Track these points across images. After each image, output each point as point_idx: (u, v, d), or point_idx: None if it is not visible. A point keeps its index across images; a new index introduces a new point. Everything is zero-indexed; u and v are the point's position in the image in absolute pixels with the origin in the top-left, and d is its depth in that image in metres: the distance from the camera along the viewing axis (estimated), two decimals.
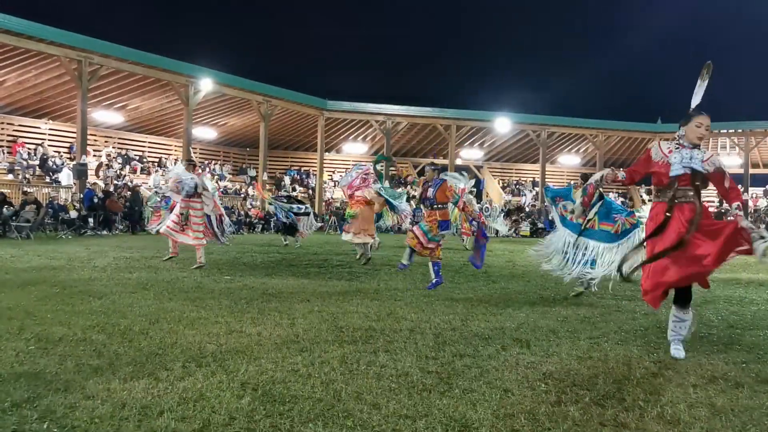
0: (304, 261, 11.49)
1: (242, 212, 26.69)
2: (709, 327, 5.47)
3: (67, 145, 25.75)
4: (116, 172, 25.78)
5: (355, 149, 37.34)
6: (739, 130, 34.80)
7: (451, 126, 33.87)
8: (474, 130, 35.42)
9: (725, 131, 35.31)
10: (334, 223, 26.76)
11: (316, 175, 33.55)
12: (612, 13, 65.80)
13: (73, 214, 19.05)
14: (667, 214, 4.30)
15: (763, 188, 36.26)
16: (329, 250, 14.96)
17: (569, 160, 39.62)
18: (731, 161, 36.92)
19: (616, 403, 3.17)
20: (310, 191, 33.21)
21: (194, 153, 29.28)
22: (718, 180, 4.33)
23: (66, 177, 23.18)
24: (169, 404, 2.98)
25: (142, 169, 27.85)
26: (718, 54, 61.91)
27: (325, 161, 34.10)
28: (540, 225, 28.58)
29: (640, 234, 6.49)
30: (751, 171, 34.92)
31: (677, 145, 4.40)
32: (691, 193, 4.30)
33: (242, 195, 30.15)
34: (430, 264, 7.79)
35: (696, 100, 4.63)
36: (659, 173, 4.41)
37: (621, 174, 4.68)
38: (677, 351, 4.26)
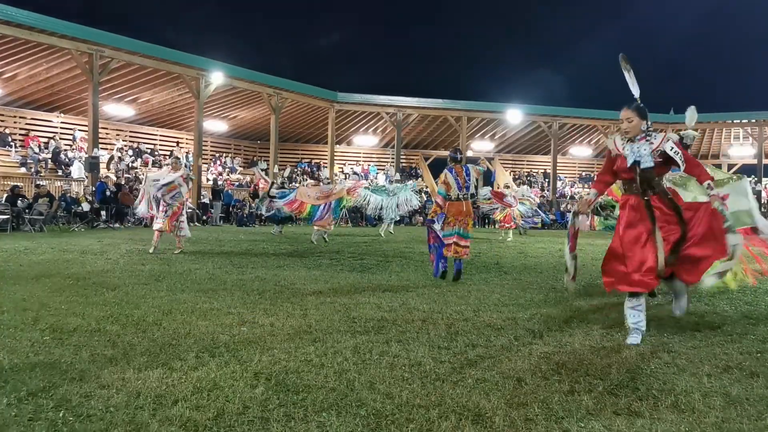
0: (316, 253, 11.51)
1: (253, 205, 26.75)
2: (723, 317, 5.43)
3: (81, 138, 25.85)
4: (128, 165, 25.90)
5: (366, 141, 37.34)
6: (753, 120, 34.46)
7: (462, 117, 33.76)
8: (485, 122, 35.29)
9: (738, 121, 34.99)
10: (346, 215, 26.73)
11: (326, 167, 33.55)
12: (625, 4, 65.26)
13: (86, 206, 19.17)
14: (646, 198, 4.38)
15: None
16: (341, 241, 14.98)
17: (581, 152, 39.43)
18: (745, 151, 36.65)
19: (629, 393, 3.16)
20: (321, 184, 33.20)
21: (205, 146, 29.37)
22: (685, 165, 4.37)
23: (77, 170, 23.31)
24: (183, 393, 3.00)
25: (153, 162, 27.95)
26: (733, 45, 61.36)
27: (335, 153, 34.11)
28: (552, 216, 28.43)
29: None
30: (765, 161, 34.57)
31: (628, 139, 4.48)
32: (653, 184, 4.39)
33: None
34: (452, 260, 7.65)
35: (635, 91, 4.75)
36: (619, 168, 4.49)
37: (592, 193, 4.79)
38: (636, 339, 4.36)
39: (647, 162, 4.33)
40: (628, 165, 4.39)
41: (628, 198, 4.51)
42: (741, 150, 36.93)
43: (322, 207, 14.16)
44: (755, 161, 34.75)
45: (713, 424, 2.74)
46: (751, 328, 4.95)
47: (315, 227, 14.41)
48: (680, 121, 34.61)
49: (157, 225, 10.76)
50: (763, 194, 33.45)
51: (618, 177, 4.64)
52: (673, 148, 4.34)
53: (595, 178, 4.82)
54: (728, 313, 5.66)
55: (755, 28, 59.30)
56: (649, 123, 4.51)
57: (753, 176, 35.03)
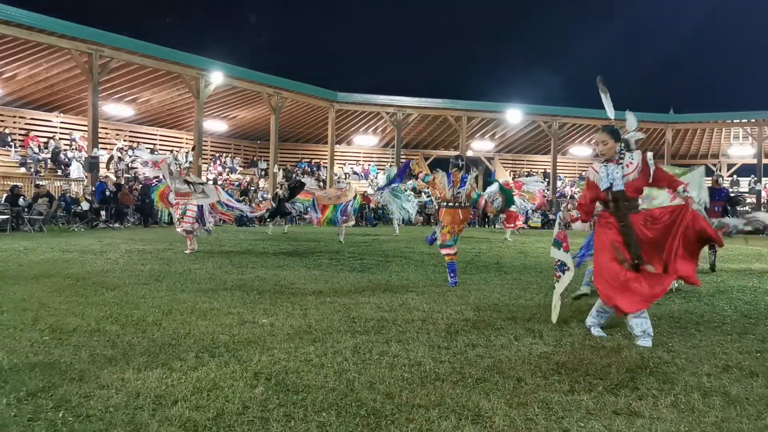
0: (316, 253, 11.51)
1: (253, 204, 26.76)
2: (723, 317, 5.43)
3: (80, 137, 25.83)
4: (127, 165, 25.89)
5: (366, 141, 37.31)
6: (752, 120, 34.44)
7: (462, 117, 33.73)
8: (485, 122, 35.26)
9: (738, 121, 34.97)
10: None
11: (327, 167, 33.55)
12: (624, 3, 65.22)
13: (85, 206, 19.16)
14: (621, 224, 4.50)
15: None
16: (341, 241, 14.97)
17: (581, 151, 39.39)
18: (744, 151, 36.62)
19: (629, 392, 3.16)
20: (321, 184, 33.25)
21: (205, 146, 29.33)
22: (652, 180, 4.59)
23: (76, 170, 23.27)
24: (183, 393, 3.00)
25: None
26: (732, 44, 61.40)
27: (335, 153, 34.10)
28: (552, 217, 28.44)
29: None
30: (765, 161, 34.56)
31: (604, 161, 4.64)
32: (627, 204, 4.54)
33: (253, 188, 30.22)
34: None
35: (610, 113, 5.01)
36: (599, 192, 4.64)
37: (575, 213, 4.95)
38: (599, 332, 4.57)
39: (618, 185, 4.51)
40: (602, 189, 4.56)
41: (604, 215, 4.67)
42: (741, 150, 36.90)
43: (342, 206, 14.61)
44: (755, 161, 34.70)
45: (713, 424, 2.74)
46: (751, 328, 4.95)
47: (342, 226, 15.03)
48: (680, 121, 34.71)
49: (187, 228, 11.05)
50: (763, 194, 33.45)
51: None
52: (652, 163, 4.61)
53: (578, 205, 4.94)
54: (728, 313, 5.66)
55: (755, 28, 59.36)
56: (622, 145, 4.69)
57: (753, 176, 35.06)
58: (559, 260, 4.87)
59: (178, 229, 11.17)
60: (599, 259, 4.54)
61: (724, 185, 11.34)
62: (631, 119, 5.41)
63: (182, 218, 10.94)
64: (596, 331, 4.59)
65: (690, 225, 4.39)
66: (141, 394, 2.98)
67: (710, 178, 11.25)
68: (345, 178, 33.46)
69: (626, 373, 3.50)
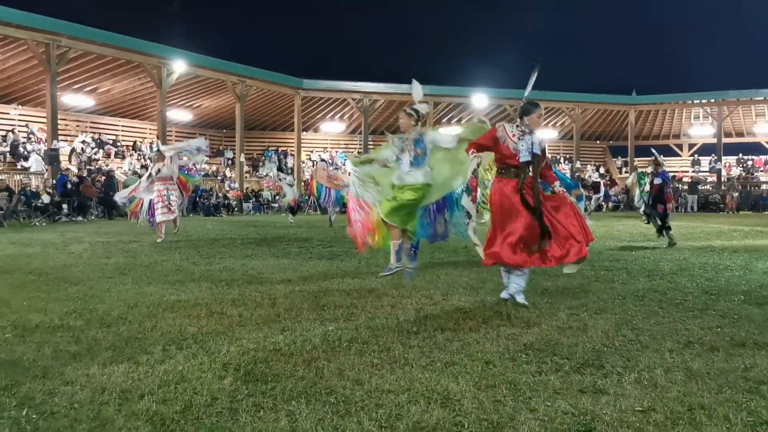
0: (284, 241, 11.45)
1: (221, 194, 26.51)
2: (684, 293, 5.56)
3: (39, 129, 25.22)
4: (89, 156, 25.38)
5: (333, 128, 37.15)
6: (712, 100, 35.14)
7: (429, 103, 33.76)
8: (451, 107, 35.38)
9: (698, 101, 35.63)
10: (314, 202, 26.59)
11: (294, 155, 33.33)
12: None
13: (46, 199, 18.73)
14: (522, 192, 4.90)
15: (735, 157, 36.78)
16: (310, 228, 14.92)
17: (547, 134, 39.73)
18: (704, 131, 37.37)
19: (594, 370, 3.22)
20: (289, 171, 33.04)
21: (170, 136, 28.89)
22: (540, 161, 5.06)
23: (34, 162, 22.69)
24: (149, 387, 2.96)
25: (116, 154, 27.45)
26: (691, 25, 62.38)
27: (302, 141, 33.89)
28: None
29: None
30: (724, 140, 35.34)
31: (521, 131, 4.99)
32: (530, 173, 4.96)
33: (220, 177, 29.91)
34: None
35: (528, 89, 5.43)
36: (504, 154, 5.01)
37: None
38: (522, 299, 5.00)
39: (533, 153, 4.93)
40: (522, 160, 4.90)
41: (509, 182, 5.01)
42: (701, 130, 37.66)
43: (325, 190, 14.89)
44: (715, 140, 35.46)
45: (675, 399, 2.80)
46: (712, 304, 5.07)
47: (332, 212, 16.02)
48: (642, 102, 35.24)
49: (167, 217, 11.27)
50: (723, 172, 34.22)
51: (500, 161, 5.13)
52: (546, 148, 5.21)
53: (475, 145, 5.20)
54: (689, 290, 5.79)
55: (715, 8, 60.37)
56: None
57: (713, 155, 35.82)
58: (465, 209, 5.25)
59: (163, 218, 11.13)
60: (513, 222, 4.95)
61: (664, 168, 11.35)
62: (416, 89, 5.65)
63: (170, 204, 11.13)
64: (520, 299, 5.00)
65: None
66: (107, 390, 2.93)
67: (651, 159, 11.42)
68: (313, 165, 33.32)
69: (592, 352, 3.56)
